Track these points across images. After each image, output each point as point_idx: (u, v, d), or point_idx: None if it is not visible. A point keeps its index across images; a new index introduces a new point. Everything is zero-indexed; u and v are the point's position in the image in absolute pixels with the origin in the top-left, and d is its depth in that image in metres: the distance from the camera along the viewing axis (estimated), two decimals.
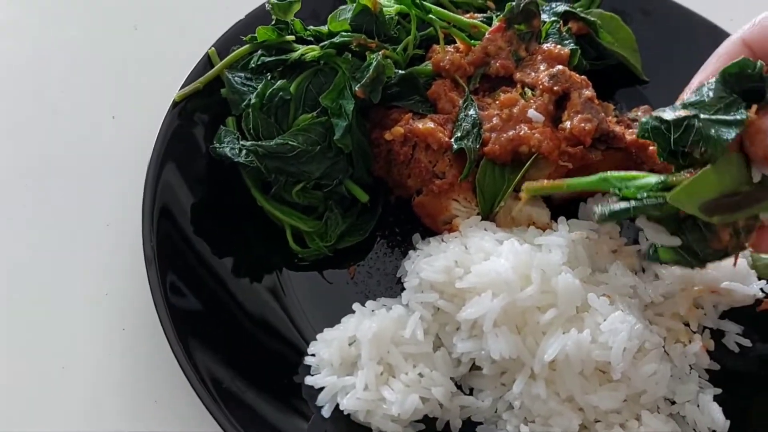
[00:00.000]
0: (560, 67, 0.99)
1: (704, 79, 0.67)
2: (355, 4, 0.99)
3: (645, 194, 0.65)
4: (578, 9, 1.13)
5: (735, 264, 0.91)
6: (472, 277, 0.85)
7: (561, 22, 1.10)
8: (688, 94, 0.66)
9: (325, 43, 0.98)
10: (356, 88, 0.94)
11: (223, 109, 1.00)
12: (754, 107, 0.62)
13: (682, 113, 0.64)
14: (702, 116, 0.63)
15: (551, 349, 0.81)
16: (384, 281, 0.98)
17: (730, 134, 0.61)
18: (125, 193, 1.02)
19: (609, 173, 0.69)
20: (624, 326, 0.81)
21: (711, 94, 0.64)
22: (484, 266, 0.85)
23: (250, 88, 0.98)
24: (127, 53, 1.22)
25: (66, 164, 1.09)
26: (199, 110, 1.01)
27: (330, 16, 1.01)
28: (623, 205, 0.66)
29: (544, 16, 1.10)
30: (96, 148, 1.11)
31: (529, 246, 0.88)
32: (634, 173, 0.68)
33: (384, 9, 1.02)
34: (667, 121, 0.64)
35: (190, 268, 0.91)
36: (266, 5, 1.01)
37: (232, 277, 0.93)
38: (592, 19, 1.11)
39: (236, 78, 1.00)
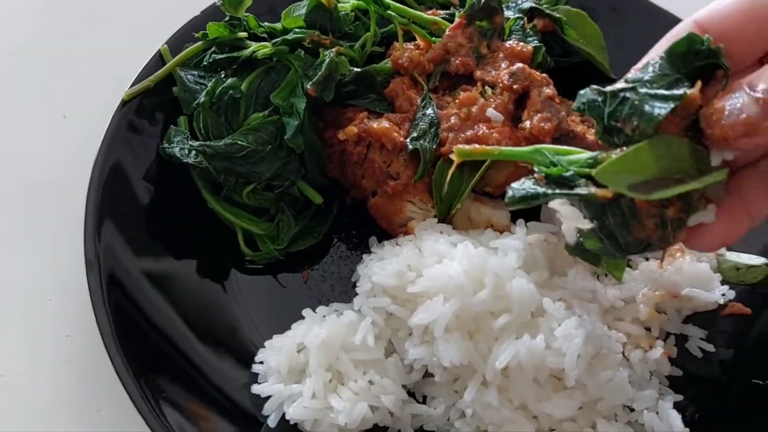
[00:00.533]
0: (520, 64, 0.96)
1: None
2: (309, 0, 0.96)
3: (573, 170, 0.61)
4: (544, 5, 1.10)
5: (661, 265, 0.89)
6: (424, 281, 0.83)
7: (525, 18, 1.07)
8: (631, 74, 0.63)
9: (278, 39, 0.95)
10: (308, 86, 0.91)
11: (176, 108, 0.97)
12: (699, 84, 0.58)
13: (621, 85, 0.60)
14: (641, 90, 0.59)
15: (503, 356, 0.78)
16: (338, 286, 0.95)
17: (662, 109, 0.57)
18: (72, 195, 0.99)
19: (544, 145, 0.64)
20: (578, 332, 0.79)
21: (656, 70, 0.60)
22: (436, 270, 0.83)
23: (203, 87, 0.95)
24: (80, 49, 1.18)
25: (13, 164, 1.06)
26: (149, 109, 0.97)
27: (284, 12, 0.98)
28: (539, 189, 0.61)
29: (508, 13, 1.07)
30: (45, 148, 1.07)
31: (483, 249, 0.85)
32: (569, 148, 0.63)
33: (340, 5, 0.99)
34: (604, 93, 0.60)
35: (135, 272, 0.87)
36: (217, 1, 0.98)
37: (180, 281, 0.90)
38: (558, 15, 1.08)
39: (189, 76, 0.96)
